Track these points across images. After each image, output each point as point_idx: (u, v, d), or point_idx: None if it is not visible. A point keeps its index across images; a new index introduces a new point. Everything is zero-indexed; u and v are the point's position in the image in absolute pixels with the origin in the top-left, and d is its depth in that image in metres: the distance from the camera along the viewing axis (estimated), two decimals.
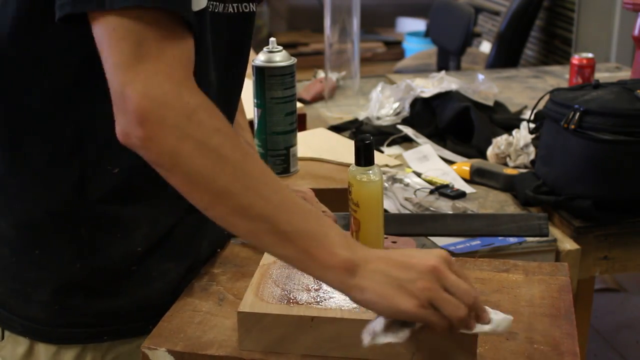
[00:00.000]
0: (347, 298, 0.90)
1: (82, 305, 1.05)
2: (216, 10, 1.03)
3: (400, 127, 2.08)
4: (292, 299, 0.94)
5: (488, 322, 0.86)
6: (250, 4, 1.10)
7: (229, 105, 1.15)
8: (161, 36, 0.85)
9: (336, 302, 0.93)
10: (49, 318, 1.05)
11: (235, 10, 1.08)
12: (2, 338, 1.09)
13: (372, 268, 0.84)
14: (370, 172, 1.17)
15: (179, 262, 1.09)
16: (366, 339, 0.85)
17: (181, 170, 0.84)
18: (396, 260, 0.85)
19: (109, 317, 1.06)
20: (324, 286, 0.97)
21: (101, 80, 0.90)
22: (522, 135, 1.86)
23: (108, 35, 0.84)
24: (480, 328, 0.86)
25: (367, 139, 1.16)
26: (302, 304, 0.93)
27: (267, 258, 1.06)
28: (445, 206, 1.66)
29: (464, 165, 1.83)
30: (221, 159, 0.84)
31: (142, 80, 0.83)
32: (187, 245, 1.10)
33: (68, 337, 1.06)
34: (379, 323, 0.85)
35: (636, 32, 2.12)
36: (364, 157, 1.17)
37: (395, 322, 0.85)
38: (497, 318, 0.87)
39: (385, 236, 1.27)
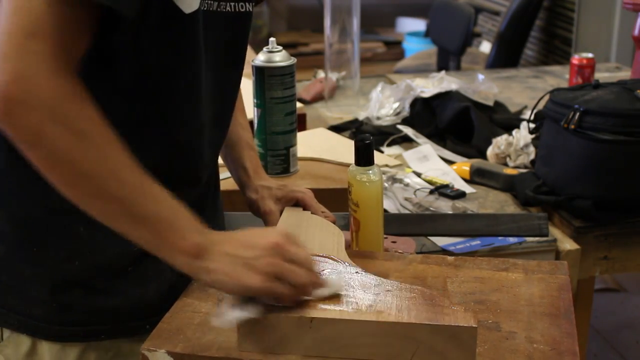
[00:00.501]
0: (348, 297, 0.92)
1: (80, 302, 1.05)
2: (210, 9, 1.03)
3: (400, 127, 2.08)
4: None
5: (323, 285, 0.92)
6: (247, 3, 1.10)
7: (224, 103, 1.15)
8: (59, 20, 0.86)
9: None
10: (49, 315, 1.06)
11: (232, 10, 1.08)
12: (1, 339, 1.09)
13: (219, 250, 0.90)
14: (370, 172, 1.17)
15: None
16: (215, 321, 0.90)
17: (42, 150, 0.87)
18: (241, 240, 0.91)
19: (106, 316, 1.07)
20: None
21: (98, 79, 0.92)
22: (522, 135, 1.86)
23: (10, 3, 0.85)
24: (320, 292, 0.92)
25: (367, 139, 1.16)
26: (302, 304, 0.93)
27: None
28: (445, 206, 1.66)
29: (464, 165, 1.83)
30: (82, 143, 0.86)
31: (22, 57, 0.84)
32: None
33: (70, 334, 1.06)
34: (225, 304, 0.90)
35: (636, 32, 2.12)
36: (363, 157, 1.17)
37: (243, 300, 0.89)
38: (334, 279, 0.94)
39: (385, 236, 1.27)
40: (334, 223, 1.20)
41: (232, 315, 0.89)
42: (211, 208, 1.20)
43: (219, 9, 1.05)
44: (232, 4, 1.08)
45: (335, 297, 0.93)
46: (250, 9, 1.11)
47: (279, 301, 0.90)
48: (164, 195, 0.91)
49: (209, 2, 1.03)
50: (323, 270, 0.97)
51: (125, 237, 0.92)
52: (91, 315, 1.06)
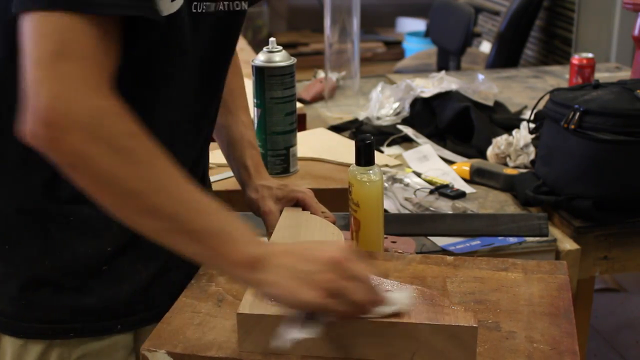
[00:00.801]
0: None
1: (50, 301, 1.05)
2: (209, 11, 1.04)
3: (400, 127, 2.08)
4: None
5: (386, 303, 0.89)
6: (242, 2, 1.10)
7: (210, 101, 1.15)
8: (85, 38, 0.85)
9: None
10: (16, 312, 1.06)
11: (226, 9, 1.08)
12: None
13: (276, 263, 0.87)
14: (371, 172, 1.17)
15: (150, 263, 1.09)
16: (275, 341, 0.88)
17: (87, 172, 0.86)
18: (299, 253, 0.88)
19: (77, 314, 1.06)
20: None
21: None
22: (522, 135, 1.86)
23: (32, 30, 0.85)
24: (382, 310, 0.88)
25: (368, 139, 1.16)
26: None
27: None
28: (445, 206, 1.66)
29: (464, 165, 1.83)
30: (128, 161, 0.85)
31: (55, 80, 0.84)
32: (158, 246, 1.09)
33: (34, 331, 1.06)
34: (285, 323, 0.88)
35: (636, 32, 2.12)
36: (364, 157, 1.17)
37: (305, 318, 0.87)
38: (398, 296, 0.90)
39: (385, 236, 1.27)
40: (333, 223, 1.20)
41: (291, 335, 0.87)
42: None
43: (217, 9, 1.05)
44: (226, 3, 1.08)
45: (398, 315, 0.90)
46: (246, 7, 1.11)
47: (338, 318, 0.87)
48: (216, 208, 0.90)
49: (207, 4, 1.03)
50: (386, 288, 0.93)
51: (180, 254, 0.90)
52: (60, 313, 1.06)
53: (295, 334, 0.87)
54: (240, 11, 1.10)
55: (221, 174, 1.55)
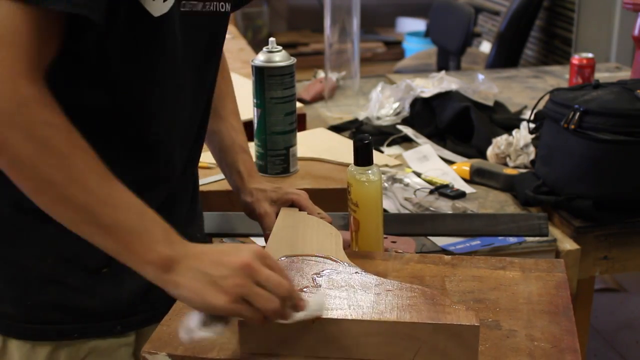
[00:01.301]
0: (349, 298, 0.91)
1: (54, 301, 1.06)
2: (195, 10, 1.04)
3: (400, 127, 2.08)
4: None
5: (302, 309, 0.89)
6: (226, 3, 1.11)
7: (200, 102, 1.15)
8: (22, 27, 0.85)
9: (337, 302, 0.93)
10: (21, 314, 1.06)
11: (215, 9, 1.08)
12: None
13: (188, 265, 0.87)
14: (369, 172, 1.17)
15: None
16: (183, 336, 0.88)
17: (6, 156, 0.86)
18: (210, 257, 0.88)
19: (80, 315, 1.07)
20: (324, 287, 0.97)
21: (68, 80, 0.93)
22: (522, 135, 1.86)
23: None
24: (295, 316, 0.88)
25: (366, 139, 1.16)
26: None
27: None
28: (445, 206, 1.66)
29: (464, 165, 1.83)
30: (46, 150, 0.86)
31: None
32: None
33: (40, 334, 1.06)
34: (193, 319, 0.88)
35: (636, 32, 2.12)
36: (362, 157, 1.17)
37: (210, 316, 0.87)
38: (312, 301, 0.90)
39: (385, 236, 1.27)
40: (330, 224, 1.20)
41: (197, 332, 0.88)
42: (182, 207, 1.19)
43: (203, 9, 1.06)
44: (215, 3, 1.08)
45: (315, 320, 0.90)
46: (229, 9, 1.12)
47: (247, 322, 0.88)
48: (134, 204, 0.89)
49: (193, 2, 1.03)
50: (304, 291, 0.94)
51: (93, 244, 0.91)
52: (64, 314, 1.06)
53: (201, 332, 0.88)
54: (225, 12, 1.11)
55: (220, 174, 1.55)
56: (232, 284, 0.85)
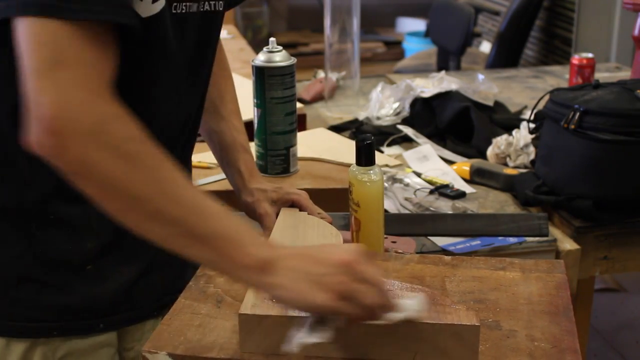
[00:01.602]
0: None
1: (33, 299, 1.06)
2: (190, 11, 1.04)
3: (400, 127, 2.08)
4: None
5: (397, 309, 0.87)
6: (219, 2, 1.10)
7: (194, 102, 1.15)
8: (81, 44, 0.85)
9: None
10: None
11: (211, 9, 1.08)
12: None
13: (286, 265, 0.86)
14: (371, 172, 1.17)
15: (134, 264, 1.10)
16: (285, 346, 0.87)
17: (94, 179, 0.86)
18: (309, 256, 0.87)
19: (60, 313, 1.07)
20: None
21: None
22: (522, 135, 1.86)
23: (28, 40, 0.85)
24: (393, 316, 0.87)
25: (368, 139, 1.16)
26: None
27: None
28: (445, 206, 1.66)
29: (464, 165, 1.83)
30: (134, 166, 0.85)
31: (56, 88, 0.84)
32: (142, 247, 1.06)
33: (17, 330, 1.07)
34: (296, 328, 0.87)
35: (636, 32, 2.12)
36: (364, 157, 1.17)
37: (317, 322, 0.87)
38: (409, 303, 0.88)
39: (385, 236, 1.27)
40: (330, 224, 1.21)
41: (301, 339, 0.87)
42: None
43: (199, 9, 1.06)
44: (210, 2, 1.08)
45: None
46: (221, 8, 1.12)
47: (349, 322, 0.86)
48: (223, 211, 0.89)
49: (188, 4, 1.03)
50: (397, 294, 0.92)
51: (189, 259, 0.90)
52: (43, 311, 1.06)
53: (304, 338, 0.87)
54: (219, 11, 1.11)
55: (221, 174, 1.56)
56: (334, 282, 0.84)
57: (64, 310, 1.07)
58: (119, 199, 0.86)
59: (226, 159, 1.28)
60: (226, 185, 1.43)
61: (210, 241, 0.87)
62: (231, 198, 1.39)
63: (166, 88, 1.06)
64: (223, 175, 1.53)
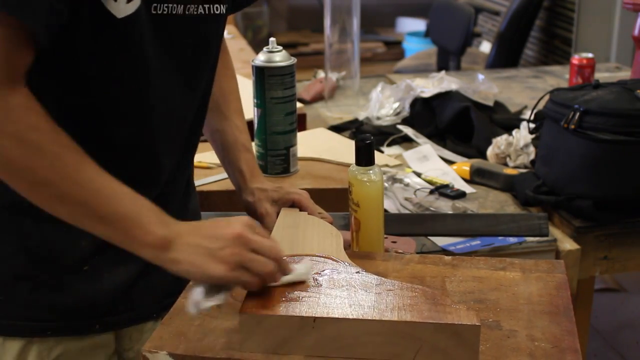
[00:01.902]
0: (350, 297, 0.92)
1: (28, 298, 1.06)
2: (174, 12, 1.03)
3: (400, 127, 2.08)
4: (294, 300, 0.95)
5: (290, 272, 0.96)
6: (221, 5, 1.10)
7: (192, 105, 1.14)
8: None
9: (338, 302, 0.93)
10: None
11: (206, 12, 1.08)
12: None
13: (185, 241, 0.93)
14: (371, 172, 1.17)
15: (131, 264, 1.10)
16: (192, 309, 0.92)
17: (1, 163, 0.91)
18: (205, 232, 0.94)
19: (55, 313, 1.07)
20: (325, 286, 0.97)
21: (44, 83, 0.95)
22: (522, 135, 1.86)
23: None
24: (284, 279, 0.96)
25: (368, 139, 1.16)
26: (304, 304, 0.93)
27: None
28: (445, 206, 1.66)
29: (464, 165, 1.83)
30: (38, 153, 0.91)
31: None
32: None
33: (12, 329, 1.07)
34: (197, 292, 0.93)
35: (636, 32, 2.12)
36: (364, 157, 1.17)
37: (212, 287, 0.93)
38: (297, 267, 0.98)
39: (385, 236, 1.27)
40: (331, 224, 1.21)
41: (202, 303, 0.92)
42: (177, 210, 1.17)
43: (187, 12, 1.05)
44: (206, 6, 1.07)
45: (302, 284, 0.96)
46: (223, 11, 1.11)
47: (246, 288, 0.94)
48: (126, 192, 0.94)
49: (172, 5, 1.02)
50: (292, 259, 1.00)
51: (95, 235, 0.95)
52: (38, 310, 1.07)
53: (202, 302, 0.92)
54: (218, 15, 1.10)
55: (221, 174, 1.56)
56: (229, 254, 0.92)
57: (59, 310, 1.08)
58: (24, 182, 0.93)
59: (227, 158, 1.28)
60: (226, 185, 1.43)
61: (113, 221, 0.93)
62: (231, 198, 1.39)
63: (156, 90, 1.05)
64: (224, 175, 1.53)
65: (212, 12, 1.09)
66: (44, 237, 1.05)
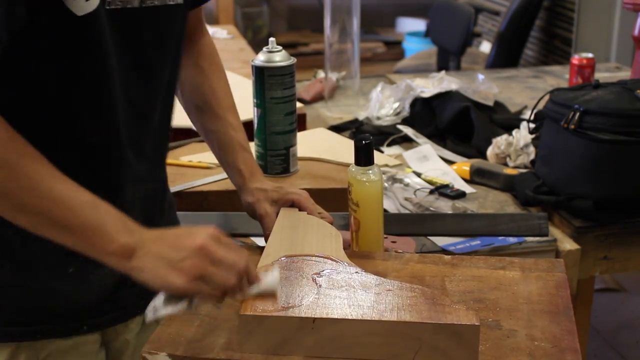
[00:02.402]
0: (349, 298, 0.92)
1: (16, 303, 1.06)
2: (129, 6, 1.01)
3: (400, 127, 2.08)
4: (293, 301, 0.95)
5: (257, 282, 0.95)
6: None
7: (153, 102, 1.11)
8: None
9: (337, 302, 0.93)
10: None
11: (160, 3, 1.05)
12: None
13: (147, 251, 0.92)
14: (370, 172, 1.17)
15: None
16: (149, 315, 0.93)
17: None
18: (168, 241, 0.93)
19: (44, 316, 1.07)
20: (324, 287, 0.97)
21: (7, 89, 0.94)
22: (522, 135, 1.86)
23: None
24: (251, 291, 0.95)
25: (367, 139, 1.16)
26: (303, 305, 0.93)
27: (264, 260, 1.06)
28: (445, 206, 1.66)
29: (464, 165, 1.83)
30: None
31: None
32: None
33: (4, 335, 1.07)
34: (158, 299, 0.93)
35: (636, 32, 2.12)
36: (364, 157, 1.17)
37: (173, 296, 0.93)
38: (267, 278, 0.96)
39: (385, 236, 1.27)
40: (331, 224, 1.20)
41: (160, 310, 0.92)
42: (150, 214, 1.16)
43: (142, 5, 1.02)
44: None
45: (270, 296, 0.94)
46: (180, 1, 1.09)
47: (206, 301, 0.93)
48: (87, 200, 0.93)
49: None
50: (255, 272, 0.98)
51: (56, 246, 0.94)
52: (27, 315, 1.06)
53: (164, 310, 0.92)
54: (175, 6, 1.08)
55: (220, 174, 1.56)
56: (189, 265, 0.90)
57: (48, 314, 1.07)
58: None
59: (225, 158, 1.28)
60: (226, 186, 1.43)
61: (76, 231, 0.92)
62: (231, 198, 1.39)
63: (118, 88, 1.03)
64: (223, 175, 1.53)
65: (168, 2, 1.06)
66: (29, 246, 1.03)
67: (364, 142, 1.16)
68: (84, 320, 1.10)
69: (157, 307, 0.92)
